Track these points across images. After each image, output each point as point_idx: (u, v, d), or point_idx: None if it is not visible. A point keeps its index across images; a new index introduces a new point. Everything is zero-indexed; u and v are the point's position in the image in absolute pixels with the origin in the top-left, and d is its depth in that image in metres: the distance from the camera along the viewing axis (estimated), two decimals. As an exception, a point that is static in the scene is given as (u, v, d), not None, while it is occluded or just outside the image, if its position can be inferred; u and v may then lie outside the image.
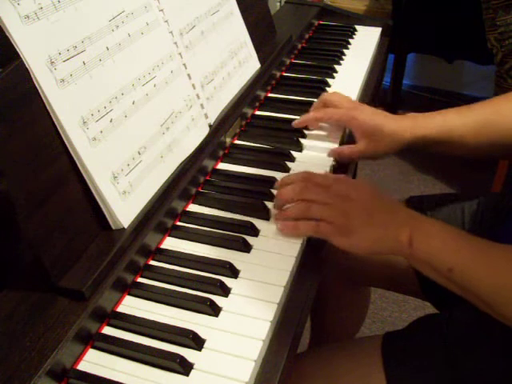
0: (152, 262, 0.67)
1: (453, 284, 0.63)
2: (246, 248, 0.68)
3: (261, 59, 1.03)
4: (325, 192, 0.69)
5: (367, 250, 0.67)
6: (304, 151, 0.89)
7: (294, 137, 0.90)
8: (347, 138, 0.92)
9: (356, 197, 0.68)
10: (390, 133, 0.82)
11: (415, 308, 1.66)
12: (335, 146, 0.89)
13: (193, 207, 0.76)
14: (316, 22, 1.35)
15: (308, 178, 0.72)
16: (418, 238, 0.64)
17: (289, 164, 0.84)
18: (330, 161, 0.85)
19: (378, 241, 0.66)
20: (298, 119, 0.93)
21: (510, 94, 0.83)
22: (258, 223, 0.72)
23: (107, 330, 0.59)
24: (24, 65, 0.56)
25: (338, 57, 1.17)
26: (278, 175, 0.81)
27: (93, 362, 0.55)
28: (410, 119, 0.83)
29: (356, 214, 0.66)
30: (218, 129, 0.85)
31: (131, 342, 0.57)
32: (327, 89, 1.06)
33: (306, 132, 0.92)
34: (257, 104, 0.99)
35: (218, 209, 0.75)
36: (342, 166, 0.88)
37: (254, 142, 0.90)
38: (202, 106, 0.83)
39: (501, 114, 0.81)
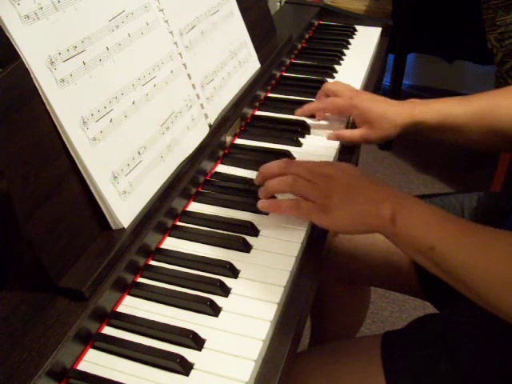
0: (152, 262, 0.67)
1: (434, 265, 0.61)
2: (246, 248, 0.68)
3: (261, 59, 1.03)
4: (308, 170, 0.70)
5: (347, 227, 0.66)
6: (304, 151, 0.89)
7: (293, 137, 0.90)
8: (352, 126, 0.93)
9: (338, 175, 0.68)
10: (390, 118, 0.84)
11: (415, 308, 1.66)
12: (336, 144, 0.89)
13: (193, 207, 0.76)
14: (316, 22, 1.35)
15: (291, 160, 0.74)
16: (400, 214, 0.62)
17: (289, 164, 0.84)
18: (331, 160, 0.85)
19: (358, 217, 0.65)
20: (299, 108, 0.94)
21: (509, 87, 0.85)
22: (258, 223, 0.72)
23: (107, 330, 0.58)
24: (24, 65, 0.56)
25: (338, 57, 1.18)
26: (278, 175, 0.81)
27: (93, 362, 0.55)
28: (409, 104, 0.85)
29: (336, 192, 0.66)
30: (217, 129, 0.85)
31: (131, 342, 0.57)
32: (327, 89, 1.06)
33: (305, 132, 0.92)
34: (257, 104, 0.99)
35: (218, 209, 0.75)
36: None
37: (253, 142, 0.90)
38: (201, 105, 0.83)
39: (499, 104, 0.83)
